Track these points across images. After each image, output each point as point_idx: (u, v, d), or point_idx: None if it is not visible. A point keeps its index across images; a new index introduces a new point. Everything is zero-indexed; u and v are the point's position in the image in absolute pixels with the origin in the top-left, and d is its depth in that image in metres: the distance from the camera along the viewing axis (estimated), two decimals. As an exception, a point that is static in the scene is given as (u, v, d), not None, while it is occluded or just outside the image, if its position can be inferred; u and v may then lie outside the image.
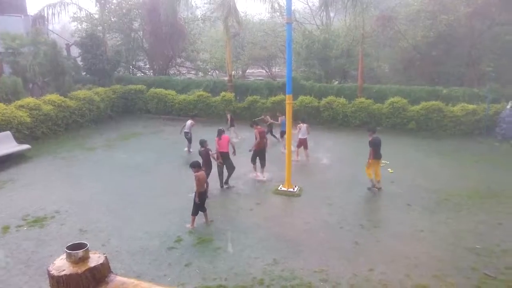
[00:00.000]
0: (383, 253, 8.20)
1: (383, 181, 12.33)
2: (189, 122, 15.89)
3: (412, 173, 13.40)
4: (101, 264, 1.67)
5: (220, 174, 12.00)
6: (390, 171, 13.59)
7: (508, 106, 18.01)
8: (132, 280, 1.67)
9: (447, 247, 8.55)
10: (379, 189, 11.77)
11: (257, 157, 12.95)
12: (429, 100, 19.51)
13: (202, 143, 11.35)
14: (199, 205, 9.44)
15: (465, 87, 21.08)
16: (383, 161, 14.31)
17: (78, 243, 1.74)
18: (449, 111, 19.03)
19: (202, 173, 9.58)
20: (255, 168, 13.04)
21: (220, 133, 12.14)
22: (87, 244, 1.73)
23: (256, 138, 12.85)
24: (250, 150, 13.20)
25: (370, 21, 23.09)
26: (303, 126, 14.46)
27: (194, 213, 9.43)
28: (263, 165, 12.96)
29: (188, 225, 9.40)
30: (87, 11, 26.77)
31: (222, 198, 11.29)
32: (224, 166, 12.00)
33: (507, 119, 17.62)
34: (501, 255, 8.17)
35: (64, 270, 1.63)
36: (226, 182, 12.09)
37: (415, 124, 19.33)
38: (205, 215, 9.65)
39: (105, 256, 1.74)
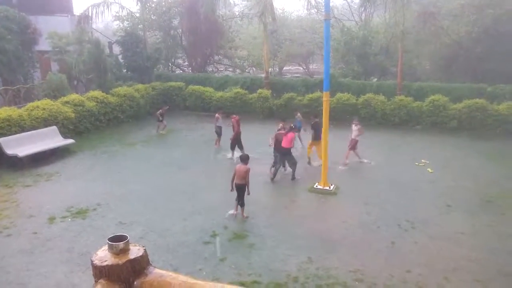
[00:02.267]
0: (421, 255, 8.02)
1: (423, 181, 12.17)
2: (216, 115, 16.37)
3: (452, 173, 12.99)
4: (140, 256, 1.73)
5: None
6: (430, 171, 13.23)
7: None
8: (170, 273, 1.73)
9: (489, 251, 8.24)
10: (309, 164, 13.85)
11: (236, 145, 14.59)
12: (472, 98, 18.81)
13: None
14: (240, 197, 9.71)
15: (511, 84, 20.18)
16: (422, 161, 14.04)
17: (119, 235, 1.81)
18: (493, 109, 18.28)
19: (244, 166, 9.73)
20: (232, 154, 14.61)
21: (290, 129, 12.76)
22: (127, 236, 1.79)
23: (233, 128, 14.64)
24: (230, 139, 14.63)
25: (410, 17, 22.47)
26: (356, 127, 14.04)
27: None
28: (241, 148, 14.30)
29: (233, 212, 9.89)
30: (129, 10, 27.42)
31: (258, 194, 11.33)
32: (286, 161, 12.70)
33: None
34: (547, 261, 7.81)
35: (106, 260, 1.71)
36: (293, 177, 12.54)
37: (456, 123, 18.69)
38: (242, 209, 9.80)
39: (144, 249, 1.80)
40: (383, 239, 8.71)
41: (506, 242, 8.57)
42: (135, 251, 1.76)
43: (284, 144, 12.26)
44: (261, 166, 13.01)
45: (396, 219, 9.66)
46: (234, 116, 14.74)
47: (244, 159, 9.92)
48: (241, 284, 6.90)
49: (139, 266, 1.73)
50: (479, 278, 7.16)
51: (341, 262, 7.72)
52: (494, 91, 19.40)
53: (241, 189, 9.67)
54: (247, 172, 9.62)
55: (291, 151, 12.55)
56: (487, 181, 12.19)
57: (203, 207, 10.35)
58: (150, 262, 1.81)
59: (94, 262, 1.72)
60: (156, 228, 9.18)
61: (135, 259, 1.72)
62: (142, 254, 1.75)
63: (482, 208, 10.05)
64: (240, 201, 9.75)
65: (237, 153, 13.90)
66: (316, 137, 13.50)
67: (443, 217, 9.82)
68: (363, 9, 22.78)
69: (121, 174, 12.99)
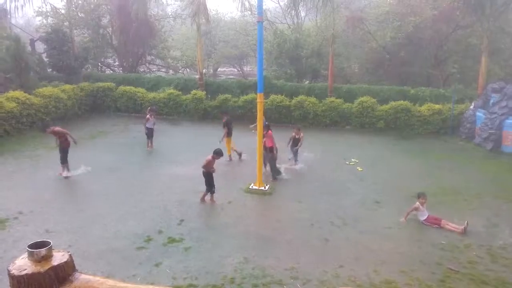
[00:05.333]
0: (353, 250, 8.34)
1: (353, 179, 12.78)
2: (147, 116, 15.91)
3: (380, 171, 13.69)
4: (65, 262, 1.62)
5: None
6: (360, 169, 13.83)
7: (471, 107, 18.64)
8: (97, 278, 1.62)
9: (414, 243, 8.79)
10: (230, 160, 14.37)
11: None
12: (397, 100, 19.96)
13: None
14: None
15: (431, 87, 21.71)
16: (352, 160, 14.65)
17: (41, 241, 1.68)
18: (416, 110, 19.53)
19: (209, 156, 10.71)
20: None
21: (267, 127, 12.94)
22: (50, 242, 1.66)
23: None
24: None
25: (340, 22, 23.45)
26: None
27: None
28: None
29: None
30: (53, 5, 26.00)
31: (194, 198, 11.19)
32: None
33: (471, 119, 18.23)
34: (464, 250, 8.46)
35: (25, 269, 1.57)
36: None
37: (383, 123, 19.73)
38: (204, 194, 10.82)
39: (70, 254, 1.68)
40: (316, 236, 8.94)
41: (428, 235, 9.17)
42: (59, 257, 1.64)
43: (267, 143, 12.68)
44: (186, 168, 13.00)
45: (328, 216, 9.97)
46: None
47: (217, 152, 10.71)
48: (176, 287, 6.76)
49: (64, 272, 1.61)
50: (404, 269, 7.59)
51: (276, 261, 7.81)
52: (417, 93, 20.73)
53: (205, 175, 10.60)
54: (207, 161, 10.60)
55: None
56: (412, 178, 12.98)
57: (136, 211, 10.01)
58: (76, 268, 1.69)
59: (12, 272, 1.58)
60: (87, 235, 8.73)
61: (59, 266, 1.60)
62: (67, 260, 1.63)
63: (408, 203, 10.62)
64: (207, 187, 10.67)
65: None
66: (230, 134, 14.47)
67: (372, 213, 10.29)
68: (291, 9, 23.33)
69: (46, 180, 12.20)
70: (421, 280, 7.23)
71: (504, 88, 17.27)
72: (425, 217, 9.71)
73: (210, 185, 10.69)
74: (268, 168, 13.11)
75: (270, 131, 12.91)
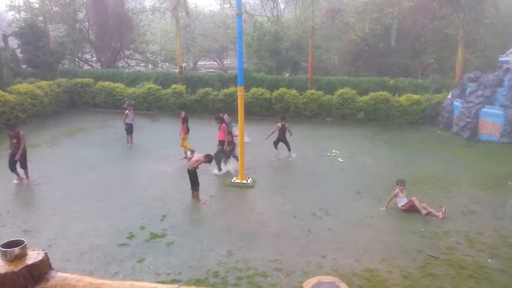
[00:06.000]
0: (335, 240, 8.42)
1: (334, 170, 12.90)
2: (126, 112, 15.71)
3: (361, 162, 13.83)
4: (40, 261, 1.58)
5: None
6: (341, 160, 13.95)
7: (449, 96, 18.96)
8: (74, 276, 1.60)
9: (394, 232, 8.94)
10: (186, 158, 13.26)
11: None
12: (377, 91, 20.15)
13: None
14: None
15: (410, 78, 21.98)
16: (333, 151, 14.76)
17: (15, 240, 1.64)
18: (395, 101, 19.75)
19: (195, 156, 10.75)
20: None
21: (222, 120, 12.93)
22: (24, 241, 1.63)
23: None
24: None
25: (319, 14, 23.50)
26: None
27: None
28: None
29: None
30: (26, -1, 25.33)
31: (176, 192, 11.12)
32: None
33: (448, 108, 18.55)
34: (442, 236, 8.64)
35: (-2, 269, 1.53)
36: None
37: (363, 114, 19.91)
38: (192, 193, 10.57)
39: (45, 253, 1.64)
40: (299, 227, 9.00)
41: (408, 223, 9.32)
42: (33, 256, 1.61)
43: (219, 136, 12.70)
44: (166, 164, 13.04)
45: (311, 208, 10.04)
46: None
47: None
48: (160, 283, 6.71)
49: (39, 271, 1.57)
50: (385, 257, 7.71)
51: (260, 253, 7.83)
52: (396, 84, 20.98)
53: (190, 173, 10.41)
54: (193, 161, 10.51)
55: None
56: (392, 168, 13.15)
57: (117, 208, 9.90)
58: (53, 267, 1.66)
59: (-16, 272, 1.53)
60: (67, 233, 8.60)
61: (33, 265, 1.57)
62: (42, 259, 1.60)
63: (388, 193, 10.74)
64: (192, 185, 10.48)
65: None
66: (187, 130, 14.09)
67: (354, 203, 10.41)
68: (273, 5, 23.32)
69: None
70: (402, 267, 7.36)
71: (480, 78, 17.61)
72: (402, 203, 9.89)
73: (195, 184, 10.52)
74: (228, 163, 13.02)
75: (224, 124, 12.84)
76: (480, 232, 8.81)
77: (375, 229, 8.99)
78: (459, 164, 13.71)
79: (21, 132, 11.68)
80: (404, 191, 9.97)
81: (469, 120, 16.82)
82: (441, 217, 9.42)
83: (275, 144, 14.16)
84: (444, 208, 9.59)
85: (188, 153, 13.52)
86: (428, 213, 9.55)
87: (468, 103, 17.21)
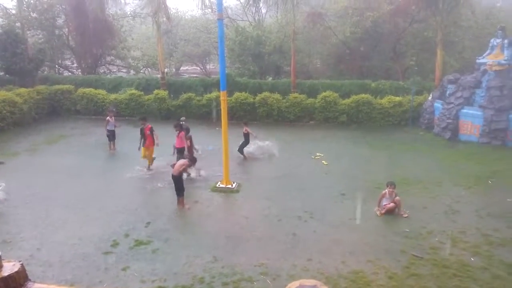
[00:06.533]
0: (320, 243, 8.44)
1: (319, 173, 12.96)
2: (107, 118, 15.69)
3: (345, 164, 13.92)
4: (16, 272, 1.53)
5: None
6: (325, 163, 14.01)
7: (430, 98, 19.25)
8: (52, 286, 1.55)
9: (379, 233, 9.00)
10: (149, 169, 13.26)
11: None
12: (359, 94, 20.33)
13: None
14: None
15: (391, 80, 22.24)
16: (317, 154, 14.82)
17: (-11, 252, 1.59)
18: (377, 103, 19.95)
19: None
20: None
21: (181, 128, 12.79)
22: (-1, 252, 1.58)
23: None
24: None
25: (301, 18, 23.64)
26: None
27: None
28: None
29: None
30: (2, 5, 24.86)
31: (161, 198, 11.01)
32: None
33: (429, 109, 18.82)
34: (426, 236, 8.73)
35: (-28, 282, 1.48)
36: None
37: (346, 117, 20.04)
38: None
39: (21, 264, 1.59)
40: (284, 231, 8.99)
41: (393, 223, 9.41)
42: (9, 268, 1.56)
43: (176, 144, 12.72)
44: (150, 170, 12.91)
45: (296, 211, 10.05)
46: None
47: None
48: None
49: (15, 283, 1.52)
50: (370, 259, 7.76)
51: (246, 258, 7.80)
52: (377, 86, 21.19)
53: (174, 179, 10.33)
54: (178, 165, 10.43)
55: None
56: (375, 170, 13.26)
57: (101, 216, 9.76)
58: (29, 278, 1.61)
59: (-43, 285, 1.48)
60: (49, 242, 8.43)
61: (9, 276, 1.52)
62: (18, 270, 1.55)
63: (372, 194, 10.86)
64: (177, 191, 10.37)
65: None
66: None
67: (338, 206, 10.45)
68: (251, 5, 23.33)
69: (2, 188, 11.67)
70: (387, 268, 7.42)
71: (459, 79, 17.92)
72: (385, 203, 9.94)
73: (180, 189, 10.41)
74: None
75: (182, 132, 12.78)
76: (463, 231, 8.94)
77: (360, 231, 9.04)
78: (441, 165, 13.91)
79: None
80: (393, 194, 9.98)
81: (449, 121, 17.08)
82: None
83: (242, 148, 14.54)
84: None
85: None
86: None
87: (448, 104, 17.49)
